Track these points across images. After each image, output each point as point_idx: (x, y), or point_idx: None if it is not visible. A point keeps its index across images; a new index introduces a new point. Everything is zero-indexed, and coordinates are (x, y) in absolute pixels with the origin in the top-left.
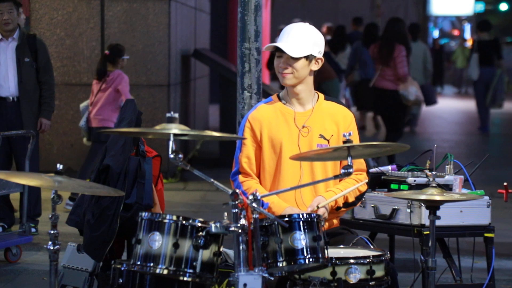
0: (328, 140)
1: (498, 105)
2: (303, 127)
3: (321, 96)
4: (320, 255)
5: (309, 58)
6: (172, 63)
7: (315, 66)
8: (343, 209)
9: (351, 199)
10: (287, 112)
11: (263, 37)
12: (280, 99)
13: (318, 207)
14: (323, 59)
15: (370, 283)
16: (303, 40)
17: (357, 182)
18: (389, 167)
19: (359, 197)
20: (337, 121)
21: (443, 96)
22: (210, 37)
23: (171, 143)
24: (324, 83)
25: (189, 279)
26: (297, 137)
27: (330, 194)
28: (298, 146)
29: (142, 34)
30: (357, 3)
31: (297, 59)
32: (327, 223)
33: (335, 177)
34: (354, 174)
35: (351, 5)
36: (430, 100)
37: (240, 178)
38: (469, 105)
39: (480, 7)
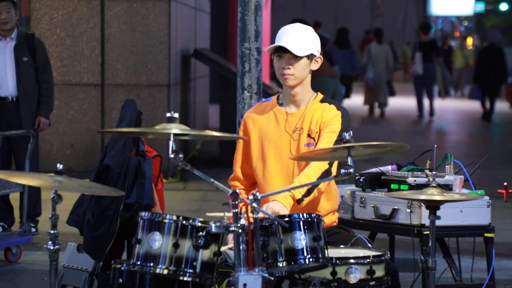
0: (313, 138)
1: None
2: (295, 129)
3: (319, 97)
4: (320, 255)
5: (309, 57)
6: (172, 63)
7: (314, 66)
8: (306, 198)
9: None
10: (280, 113)
11: (263, 37)
12: (278, 99)
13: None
14: (322, 58)
15: (370, 283)
16: (304, 39)
17: (320, 169)
18: (389, 167)
19: (322, 176)
20: (321, 117)
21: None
22: (210, 37)
23: (171, 143)
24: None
25: (189, 279)
26: (289, 141)
27: (284, 199)
28: (290, 151)
29: (142, 34)
30: (357, 3)
31: (300, 58)
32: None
33: (335, 177)
34: None
35: (351, 5)
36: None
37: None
38: (468, 105)
39: (480, 7)
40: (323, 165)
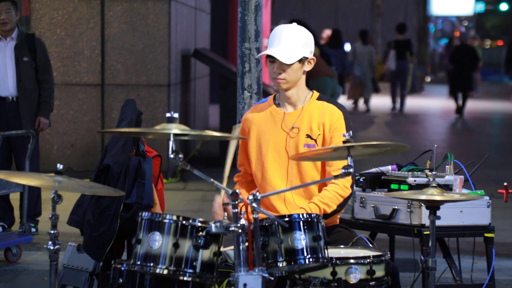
0: (315, 140)
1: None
2: (292, 128)
3: (315, 95)
4: (320, 255)
5: (301, 60)
6: (172, 63)
7: (308, 67)
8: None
9: (330, 210)
10: (277, 114)
11: (263, 37)
12: (275, 99)
13: None
14: (315, 59)
15: (370, 283)
16: (294, 44)
17: (340, 188)
18: (389, 167)
19: (343, 204)
20: (324, 119)
21: (443, 97)
22: (210, 37)
23: (171, 143)
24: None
25: (189, 279)
26: (285, 139)
27: (312, 207)
28: (285, 149)
29: (142, 34)
30: (357, 3)
31: (291, 64)
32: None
33: (335, 177)
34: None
35: (351, 5)
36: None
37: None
38: (469, 106)
39: (480, 7)
40: (344, 192)
